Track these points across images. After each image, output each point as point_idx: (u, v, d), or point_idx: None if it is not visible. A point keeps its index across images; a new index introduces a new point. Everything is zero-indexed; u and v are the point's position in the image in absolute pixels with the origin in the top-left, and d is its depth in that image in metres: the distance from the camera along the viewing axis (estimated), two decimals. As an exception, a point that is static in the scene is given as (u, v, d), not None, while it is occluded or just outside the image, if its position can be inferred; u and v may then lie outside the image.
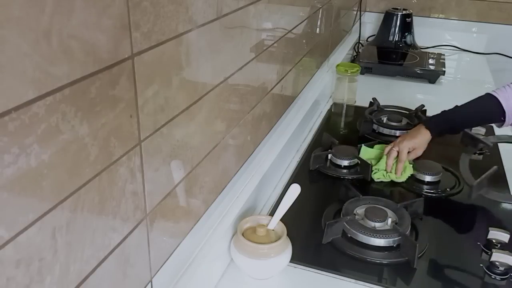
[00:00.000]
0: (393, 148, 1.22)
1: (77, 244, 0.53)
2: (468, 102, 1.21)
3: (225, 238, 0.90)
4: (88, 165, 0.53)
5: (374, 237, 0.96)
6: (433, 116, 1.26)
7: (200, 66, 0.75)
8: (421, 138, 1.22)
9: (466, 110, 1.21)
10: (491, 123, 1.29)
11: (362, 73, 1.87)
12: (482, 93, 1.26)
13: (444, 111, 1.24)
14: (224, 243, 0.90)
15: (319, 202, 1.12)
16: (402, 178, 1.21)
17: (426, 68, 1.96)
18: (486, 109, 1.20)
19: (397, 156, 1.21)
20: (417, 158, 1.25)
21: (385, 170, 1.21)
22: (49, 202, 0.48)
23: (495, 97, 1.17)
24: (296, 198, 0.92)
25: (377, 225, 1.00)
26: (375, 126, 1.48)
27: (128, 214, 0.62)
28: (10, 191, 0.43)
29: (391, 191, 1.18)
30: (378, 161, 1.24)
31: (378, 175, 1.22)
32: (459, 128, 1.26)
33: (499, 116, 1.17)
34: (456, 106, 1.23)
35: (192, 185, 0.79)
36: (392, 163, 1.21)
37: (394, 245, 0.97)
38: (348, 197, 1.09)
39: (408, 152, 1.21)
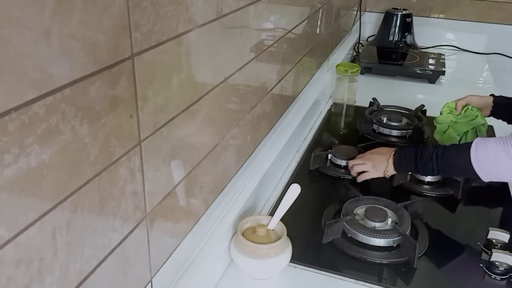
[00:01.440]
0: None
1: (77, 244, 0.53)
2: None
3: (225, 238, 0.90)
4: (88, 165, 0.53)
5: (374, 237, 0.96)
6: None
7: (200, 66, 0.75)
8: (481, 98, 1.33)
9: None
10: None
11: (362, 73, 1.87)
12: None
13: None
14: (224, 243, 0.90)
15: (319, 202, 1.12)
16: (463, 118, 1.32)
17: (426, 68, 1.96)
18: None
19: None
20: None
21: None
22: (49, 202, 0.48)
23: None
24: (296, 198, 0.92)
25: (377, 225, 1.00)
26: (375, 126, 1.47)
27: (128, 214, 0.62)
28: (10, 191, 0.43)
29: (391, 191, 1.18)
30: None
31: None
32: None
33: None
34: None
35: (192, 185, 0.79)
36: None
37: (394, 245, 0.97)
38: (348, 197, 1.09)
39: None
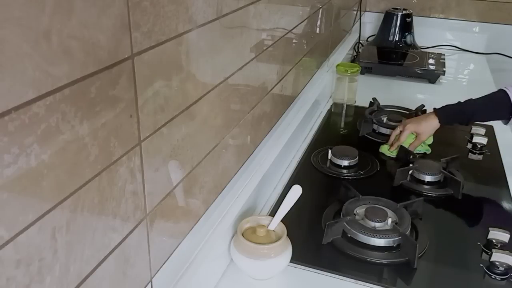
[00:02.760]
0: (398, 128, 1.32)
1: (77, 244, 0.53)
2: (482, 96, 1.24)
3: (225, 238, 0.90)
4: (88, 165, 0.53)
5: (374, 237, 0.96)
6: (446, 105, 1.28)
7: (200, 66, 0.75)
8: (426, 125, 1.28)
9: (477, 103, 1.23)
10: (500, 119, 1.27)
11: (362, 73, 1.87)
12: (482, 93, 1.26)
13: (459, 102, 1.26)
14: (224, 243, 0.90)
15: (319, 202, 1.12)
16: (394, 153, 1.34)
17: (426, 68, 1.96)
18: (497, 104, 1.21)
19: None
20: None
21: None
22: (49, 202, 0.48)
23: (506, 92, 1.18)
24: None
25: (377, 225, 1.00)
26: (375, 126, 1.47)
27: (128, 214, 0.62)
28: (10, 191, 0.43)
29: (391, 191, 1.18)
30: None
31: (383, 149, 1.36)
32: (469, 121, 1.27)
33: (507, 113, 1.19)
34: (470, 98, 1.25)
35: (192, 185, 0.79)
36: (393, 139, 1.33)
37: (394, 245, 0.97)
38: (348, 197, 1.09)
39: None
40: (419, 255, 0.94)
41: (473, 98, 1.25)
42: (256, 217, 0.94)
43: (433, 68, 1.96)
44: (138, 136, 0.61)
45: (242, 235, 0.89)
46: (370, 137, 1.43)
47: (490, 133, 1.46)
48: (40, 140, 0.45)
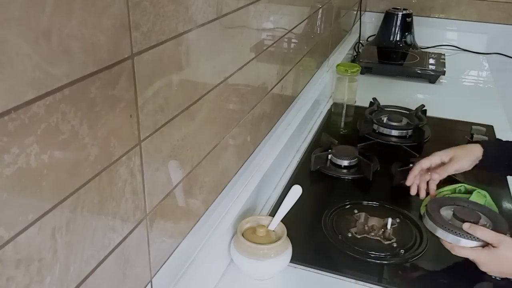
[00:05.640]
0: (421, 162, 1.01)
1: (77, 244, 0.53)
2: None
3: (225, 238, 0.90)
4: (88, 165, 0.53)
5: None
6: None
7: (200, 66, 0.75)
8: (464, 151, 1.00)
9: None
10: None
11: (362, 73, 1.87)
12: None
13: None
14: (224, 243, 0.90)
15: (319, 202, 1.12)
16: None
17: (426, 68, 1.96)
18: None
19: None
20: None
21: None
22: (49, 202, 0.48)
23: None
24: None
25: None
26: (375, 126, 1.47)
27: (128, 214, 0.62)
28: (10, 191, 0.43)
29: (391, 191, 1.18)
30: None
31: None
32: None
33: None
34: None
35: (192, 185, 0.79)
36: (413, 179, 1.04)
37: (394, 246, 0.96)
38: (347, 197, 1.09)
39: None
40: (420, 255, 0.93)
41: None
42: (256, 217, 0.94)
43: (433, 68, 1.96)
44: (138, 136, 0.61)
45: (242, 235, 0.89)
46: (370, 137, 1.42)
47: (490, 132, 1.46)
48: (40, 140, 0.45)
